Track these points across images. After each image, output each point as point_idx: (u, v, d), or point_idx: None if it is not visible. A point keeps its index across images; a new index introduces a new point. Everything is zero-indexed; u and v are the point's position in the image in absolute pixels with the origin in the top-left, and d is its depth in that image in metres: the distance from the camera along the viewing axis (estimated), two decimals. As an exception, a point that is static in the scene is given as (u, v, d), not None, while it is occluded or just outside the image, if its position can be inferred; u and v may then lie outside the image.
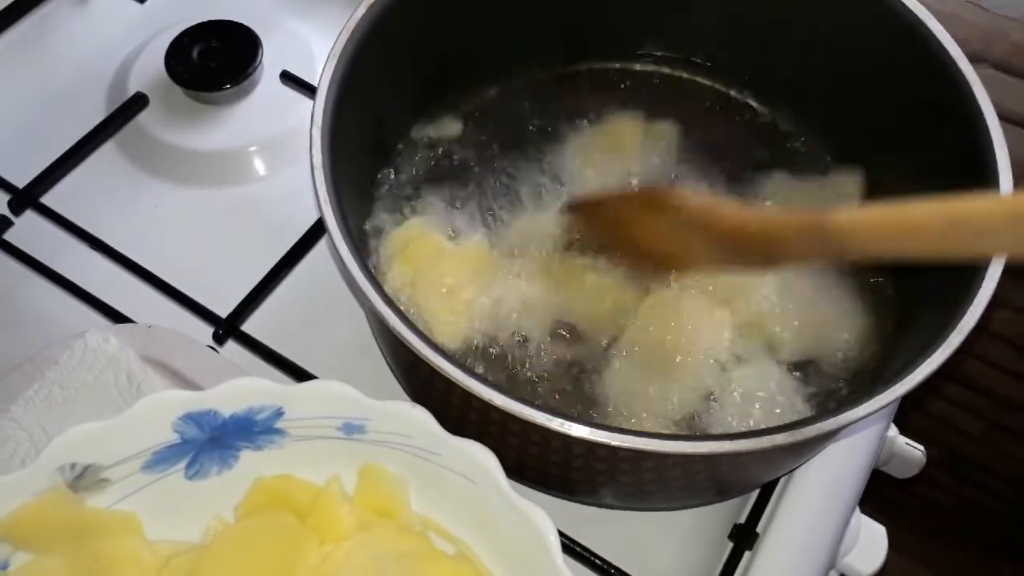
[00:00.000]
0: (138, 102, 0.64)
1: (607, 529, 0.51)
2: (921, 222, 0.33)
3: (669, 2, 0.59)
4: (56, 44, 0.69)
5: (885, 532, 0.60)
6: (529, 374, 0.51)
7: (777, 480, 0.54)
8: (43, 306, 0.57)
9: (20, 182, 0.61)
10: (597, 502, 0.52)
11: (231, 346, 0.56)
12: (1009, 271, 0.42)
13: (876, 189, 0.56)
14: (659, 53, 0.62)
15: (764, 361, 0.51)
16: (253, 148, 0.64)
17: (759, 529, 0.52)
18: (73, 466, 0.40)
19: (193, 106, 0.65)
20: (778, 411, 0.50)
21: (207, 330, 0.56)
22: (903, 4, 0.50)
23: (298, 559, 0.42)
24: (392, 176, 0.57)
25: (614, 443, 0.38)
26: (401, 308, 0.41)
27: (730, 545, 0.51)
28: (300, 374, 0.54)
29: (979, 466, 1.18)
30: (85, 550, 0.41)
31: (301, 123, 0.62)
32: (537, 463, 0.46)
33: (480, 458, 0.40)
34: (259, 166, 0.64)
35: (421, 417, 0.41)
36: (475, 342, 0.51)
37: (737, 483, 0.51)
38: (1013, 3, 0.72)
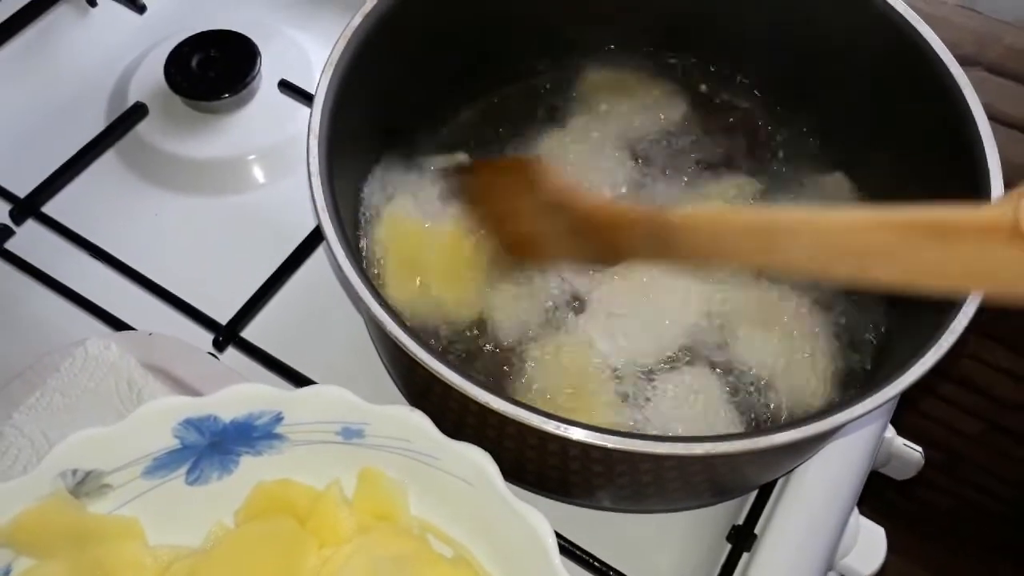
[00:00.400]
0: (138, 112, 0.65)
1: (605, 531, 0.52)
2: (745, 227, 0.33)
3: (661, 3, 0.60)
4: (57, 55, 0.70)
5: (884, 533, 0.60)
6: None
7: (775, 481, 0.54)
8: (45, 314, 0.57)
9: (21, 192, 0.61)
10: (595, 504, 0.52)
11: (231, 352, 0.56)
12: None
13: (868, 191, 0.56)
14: (649, 49, 0.62)
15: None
16: (252, 156, 0.64)
17: (757, 530, 0.52)
18: (75, 472, 0.40)
19: (192, 115, 0.65)
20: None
21: (207, 337, 0.56)
22: (895, 9, 0.50)
23: (298, 563, 0.42)
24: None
25: (611, 446, 0.38)
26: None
27: (728, 546, 0.52)
28: (299, 380, 0.55)
29: (977, 468, 1.19)
30: (87, 556, 0.41)
31: (300, 131, 0.63)
32: (535, 466, 0.46)
33: (478, 461, 0.40)
34: (258, 174, 0.64)
35: (419, 421, 0.41)
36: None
37: (735, 484, 0.51)
38: (1007, 7, 0.72)
